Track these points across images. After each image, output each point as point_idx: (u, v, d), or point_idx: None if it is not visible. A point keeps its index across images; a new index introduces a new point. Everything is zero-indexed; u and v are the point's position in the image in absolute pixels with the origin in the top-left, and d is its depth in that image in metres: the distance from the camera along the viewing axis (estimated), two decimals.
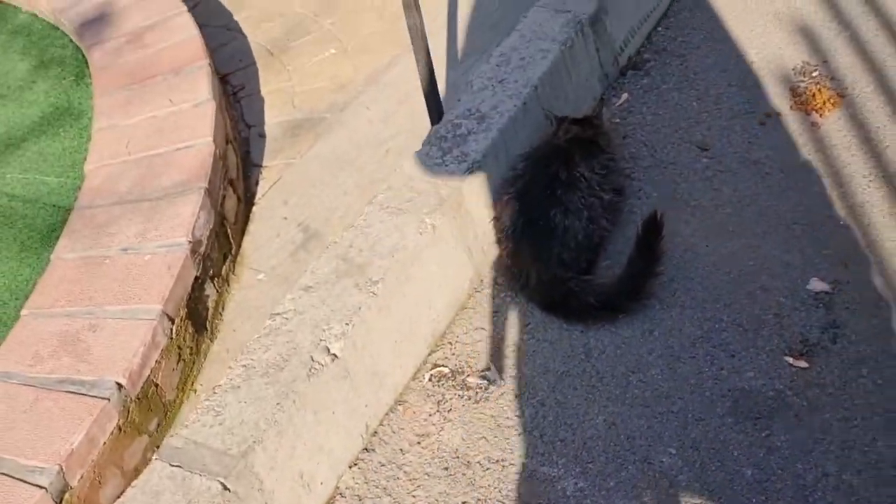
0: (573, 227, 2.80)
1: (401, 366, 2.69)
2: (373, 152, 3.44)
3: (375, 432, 2.62)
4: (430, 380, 2.73)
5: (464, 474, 2.48)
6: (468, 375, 2.72)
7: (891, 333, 2.52)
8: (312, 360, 2.44)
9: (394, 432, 2.62)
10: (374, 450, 2.59)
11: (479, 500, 2.42)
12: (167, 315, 2.67)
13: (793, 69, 3.42)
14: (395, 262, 2.65)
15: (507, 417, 2.59)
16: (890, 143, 3.04)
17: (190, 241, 2.84)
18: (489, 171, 2.96)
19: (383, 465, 2.55)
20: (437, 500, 2.44)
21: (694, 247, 2.88)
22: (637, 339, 2.68)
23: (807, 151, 3.09)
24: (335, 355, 2.47)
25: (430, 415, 2.64)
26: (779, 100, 3.32)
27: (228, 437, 2.32)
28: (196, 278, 2.86)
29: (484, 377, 2.70)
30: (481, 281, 2.97)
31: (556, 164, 2.86)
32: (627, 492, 2.34)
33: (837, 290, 2.66)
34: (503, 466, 2.48)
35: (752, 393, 2.47)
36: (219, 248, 3.06)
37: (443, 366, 2.76)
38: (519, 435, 2.54)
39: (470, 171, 2.89)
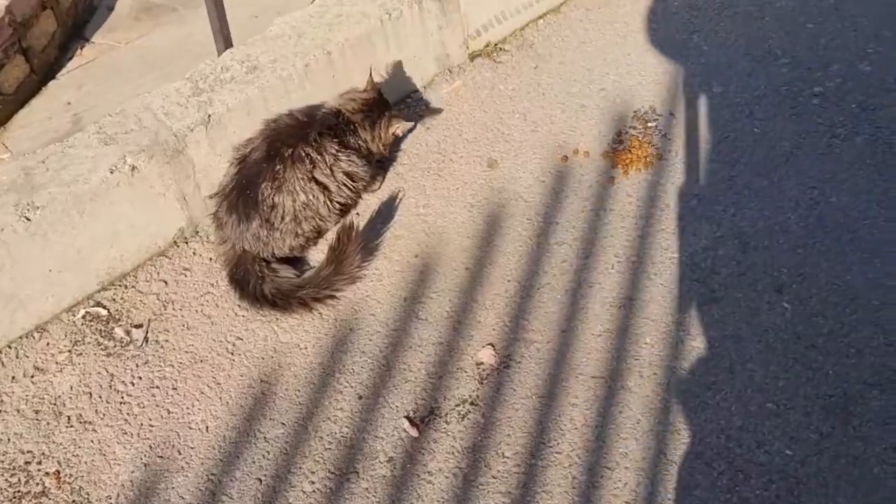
0: (282, 206, 2.63)
1: (53, 294, 2.60)
2: (191, 61, 3.27)
3: (0, 351, 2.57)
4: (83, 317, 2.65)
5: (47, 424, 2.42)
6: (119, 325, 2.63)
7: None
8: None
9: (17, 357, 2.56)
10: None
11: (43, 454, 2.36)
12: None
13: (635, 111, 3.11)
14: (68, 194, 2.53)
15: (123, 381, 2.50)
16: (665, 227, 2.75)
17: None
18: (235, 126, 2.78)
19: None
20: (12, 441, 2.39)
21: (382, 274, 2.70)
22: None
23: (575, 206, 2.82)
24: None
25: (59, 352, 2.57)
26: (597, 141, 3.03)
27: None
28: None
29: (128, 333, 2.60)
30: (196, 233, 2.84)
31: (290, 137, 2.67)
32: None
33: (503, 366, 2.46)
34: (88, 429, 2.41)
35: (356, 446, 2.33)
36: None
37: (103, 307, 2.67)
38: (121, 404, 2.45)
39: (206, 122, 2.72)
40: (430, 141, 3.08)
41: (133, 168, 2.62)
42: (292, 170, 2.63)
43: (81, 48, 3.38)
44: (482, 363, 2.48)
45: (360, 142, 2.79)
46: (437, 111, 3.17)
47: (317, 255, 2.77)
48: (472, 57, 3.35)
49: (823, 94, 3.09)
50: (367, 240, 2.79)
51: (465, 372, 2.46)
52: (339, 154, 2.71)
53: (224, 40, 2.96)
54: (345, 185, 2.74)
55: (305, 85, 2.90)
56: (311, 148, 2.65)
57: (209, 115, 2.73)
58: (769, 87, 3.14)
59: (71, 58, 3.37)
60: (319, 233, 2.76)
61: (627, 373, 2.43)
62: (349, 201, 2.80)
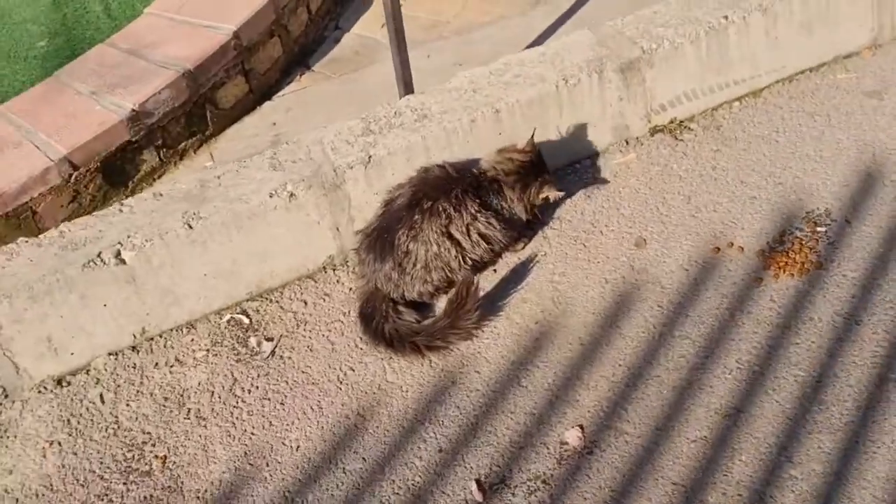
0: (415, 254, 2.75)
1: (205, 297, 2.89)
2: (390, 99, 3.49)
3: (152, 338, 2.88)
4: (227, 321, 2.91)
5: (170, 411, 2.69)
6: (255, 335, 2.86)
7: None
8: (99, 256, 2.71)
9: (164, 347, 2.87)
10: (139, 351, 2.86)
11: (159, 437, 2.63)
12: (69, 161, 3.06)
13: (808, 212, 2.94)
14: (229, 210, 2.80)
15: (242, 387, 2.72)
16: (801, 341, 2.59)
17: (134, 111, 3.17)
18: (394, 170, 2.94)
19: (135, 367, 2.82)
20: (138, 420, 2.69)
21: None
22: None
23: (711, 302, 2.71)
24: (122, 261, 2.73)
25: (199, 349, 2.85)
26: (755, 237, 2.89)
27: None
28: (129, 142, 3.20)
29: (259, 344, 2.83)
30: (345, 262, 3.03)
31: (434, 189, 2.78)
32: None
33: (586, 451, 2.42)
34: (201, 424, 2.65)
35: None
36: (186, 126, 3.36)
37: (247, 316, 2.92)
38: (234, 407, 2.68)
39: (366, 161, 2.90)
40: (587, 210, 3.08)
41: (291, 195, 2.85)
42: (428, 222, 2.74)
43: (301, 75, 3.70)
44: (566, 443, 2.46)
45: (503, 203, 2.85)
46: (603, 181, 3.16)
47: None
48: (654, 131, 3.30)
49: None
50: (495, 298, 2.85)
51: (548, 448, 2.46)
52: (478, 214, 2.79)
53: (405, 86, 3.14)
54: (479, 244, 2.81)
55: (469, 139, 3.01)
56: (449, 203, 2.75)
57: (370, 156, 2.91)
58: None
59: (290, 82, 3.69)
60: (450, 283, 2.85)
61: (711, 487, 2.32)
62: (484, 259, 2.87)
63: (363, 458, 2.50)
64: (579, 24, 3.71)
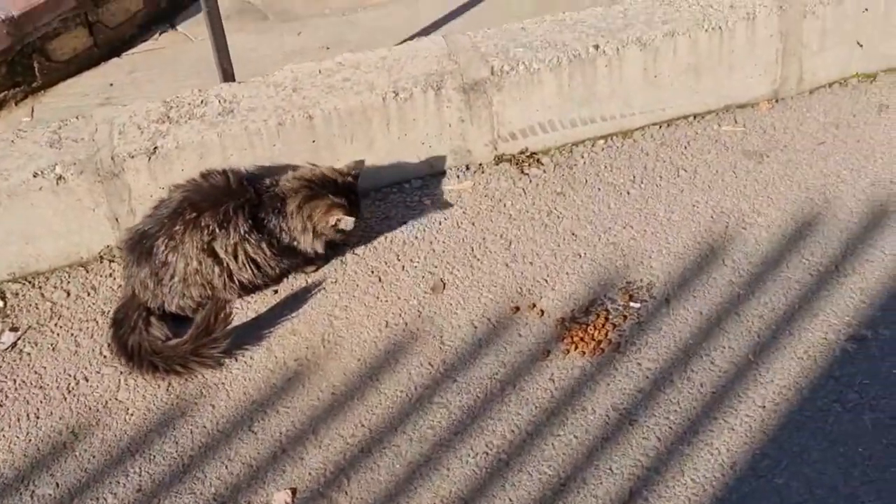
0: (173, 266, 2.50)
1: None
2: (247, 75, 3.20)
3: None
4: None
5: None
6: (3, 321, 2.64)
7: None
8: None
9: None
10: None
11: None
12: None
13: (628, 283, 2.63)
14: None
15: None
16: (561, 436, 2.31)
17: None
18: (183, 165, 2.67)
19: None
20: None
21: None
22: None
23: (485, 370, 2.44)
24: None
25: None
26: (563, 302, 2.60)
27: None
28: None
29: (1, 333, 2.61)
30: None
31: (205, 199, 2.51)
32: None
33: None
34: None
35: None
36: (8, 75, 3.12)
37: (3, 298, 2.70)
38: None
39: (151, 152, 2.64)
40: (397, 238, 2.80)
41: (60, 178, 2.60)
42: (190, 235, 2.48)
43: (160, 34, 3.42)
44: None
45: (281, 226, 2.57)
46: (427, 208, 2.87)
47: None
48: (499, 160, 2.99)
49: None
50: (263, 323, 2.60)
51: None
52: (248, 236, 2.52)
53: (223, 73, 2.85)
54: (246, 267, 2.55)
55: (276, 143, 2.73)
56: (214, 219, 2.48)
57: (156, 147, 2.64)
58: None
59: (146, 40, 3.41)
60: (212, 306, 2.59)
61: None
62: (256, 283, 2.60)
63: (56, 484, 2.28)
64: (467, 24, 3.38)
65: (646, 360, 2.45)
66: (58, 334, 2.61)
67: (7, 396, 2.47)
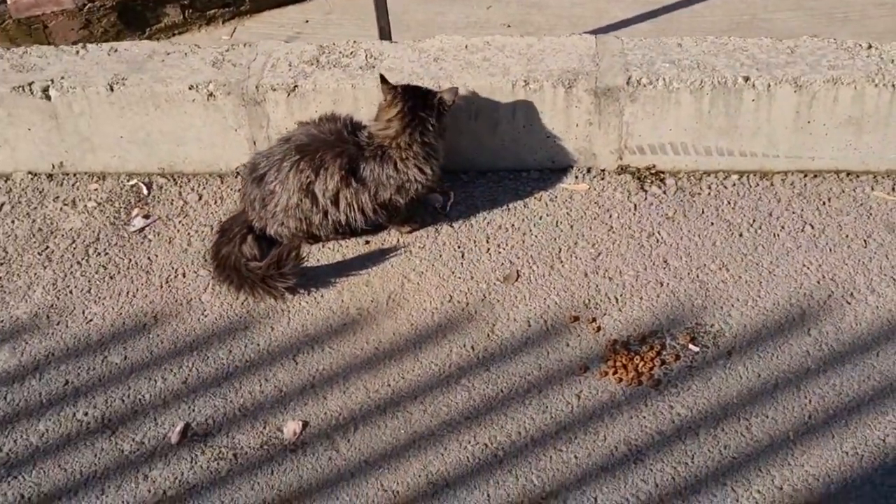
0: (278, 196, 2.72)
1: (120, 157, 3.04)
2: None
3: (67, 174, 3.09)
4: (132, 185, 3.06)
5: (32, 243, 2.91)
6: (142, 207, 3.00)
7: None
8: (29, 85, 2.92)
9: (71, 186, 3.07)
10: (53, 180, 3.09)
11: (5, 259, 2.89)
12: None
13: (696, 324, 2.55)
14: (149, 88, 2.89)
15: (96, 249, 2.89)
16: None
17: None
18: (318, 107, 2.87)
19: (40, 192, 3.06)
20: (6, 238, 2.95)
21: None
22: None
23: (523, 368, 2.47)
24: (48, 97, 2.92)
25: (94, 200, 3.03)
26: (624, 326, 2.57)
27: None
28: None
29: (137, 217, 2.96)
30: None
31: (319, 141, 2.70)
32: None
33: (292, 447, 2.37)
34: (44, 266, 2.86)
35: None
36: None
37: (149, 188, 3.05)
38: (75, 264, 2.86)
39: (290, 90, 2.87)
40: (493, 222, 2.86)
41: (210, 94, 2.89)
42: (293, 174, 2.68)
43: None
44: (285, 434, 2.41)
45: (389, 172, 2.70)
46: (534, 200, 2.90)
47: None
48: (622, 170, 2.95)
49: None
50: (344, 268, 2.78)
51: (261, 430, 2.43)
52: (344, 183, 2.68)
53: (379, 30, 3.01)
54: (342, 211, 2.72)
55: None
56: (310, 165, 2.66)
57: (296, 86, 2.86)
58: None
59: None
60: (310, 235, 2.80)
61: None
62: (352, 226, 2.76)
63: (125, 356, 2.59)
64: (653, 28, 3.31)
65: (679, 404, 2.38)
66: (178, 230, 2.93)
67: (119, 271, 2.82)
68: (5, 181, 3.11)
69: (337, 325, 2.64)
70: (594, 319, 2.59)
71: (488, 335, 2.58)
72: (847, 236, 2.74)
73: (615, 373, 2.46)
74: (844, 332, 2.51)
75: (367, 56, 2.94)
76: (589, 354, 2.51)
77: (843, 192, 2.86)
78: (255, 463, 2.36)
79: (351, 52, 2.95)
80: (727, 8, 3.38)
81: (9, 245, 2.91)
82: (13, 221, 2.99)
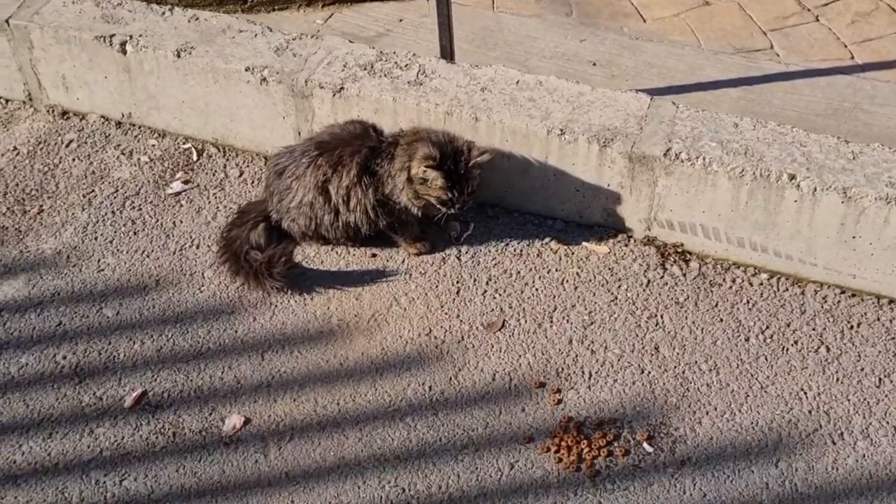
0: (293, 192, 2.77)
1: (180, 119, 3.17)
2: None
3: (134, 124, 3.26)
4: (185, 149, 3.19)
5: (83, 186, 3.10)
6: (186, 172, 3.12)
7: None
8: (110, 38, 3.09)
9: (134, 137, 3.24)
10: (121, 128, 3.27)
11: (49, 196, 3.08)
12: None
13: (654, 420, 2.42)
14: (210, 62, 2.99)
15: (133, 204, 3.04)
16: None
17: None
18: (359, 111, 2.89)
19: (106, 137, 3.24)
20: (57, 178, 3.15)
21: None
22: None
23: (460, 432, 2.42)
24: (125, 51, 3.07)
25: (148, 156, 3.18)
26: (588, 404, 2.46)
27: None
28: None
29: (176, 181, 3.09)
30: None
31: (339, 141, 2.72)
32: None
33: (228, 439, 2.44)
34: (84, 210, 3.04)
35: None
36: None
37: (199, 154, 3.18)
38: (110, 213, 3.02)
39: (336, 89, 2.89)
40: (501, 264, 2.79)
41: (263, 80, 2.96)
42: (311, 171, 2.72)
43: None
44: (225, 426, 2.47)
45: (388, 171, 2.70)
46: (551, 251, 2.81)
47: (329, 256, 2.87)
48: (649, 241, 2.80)
49: None
50: (342, 278, 2.79)
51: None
52: (358, 182, 2.69)
53: (441, 48, 2.97)
54: (353, 211, 2.73)
55: (439, 129, 2.82)
56: (328, 162, 2.69)
57: (342, 88, 2.89)
58: None
59: None
60: (319, 236, 2.83)
61: None
62: (360, 228, 2.78)
63: (118, 313, 2.73)
64: (742, 97, 3.09)
65: (609, 503, 2.27)
66: (209, 201, 3.04)
67: (143, 229, 2.96)
68: (80, 119, 3.31)
69: (314, 332, 2.67)
70: (559, 390, 2.50)
71: (450, 379, 2.54)
72: (863, 370, 2.50)
73: (557, 451, 2.37)
74: (817, 473, 2.31)
75: (419, 72, 2.91)
76: (539, 425, 2.43)
77: (878, 320, 2.61)
78: (188, 447, 2.44)
79: (406, 65, 2.94)
80: (830, 91, 3.11)
81: (62, 181, 3.11)
82: (74, 160, 3.18)
